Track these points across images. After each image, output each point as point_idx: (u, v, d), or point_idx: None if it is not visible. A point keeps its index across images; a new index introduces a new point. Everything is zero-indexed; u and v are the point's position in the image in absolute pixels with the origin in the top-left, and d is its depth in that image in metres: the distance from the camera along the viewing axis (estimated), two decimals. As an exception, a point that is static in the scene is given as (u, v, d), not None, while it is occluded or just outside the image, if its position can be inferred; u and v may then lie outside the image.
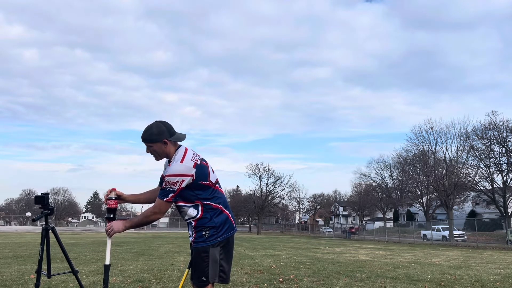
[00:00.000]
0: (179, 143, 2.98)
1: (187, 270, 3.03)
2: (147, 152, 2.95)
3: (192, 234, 2.92)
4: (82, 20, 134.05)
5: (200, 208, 2.87)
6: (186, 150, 2.91)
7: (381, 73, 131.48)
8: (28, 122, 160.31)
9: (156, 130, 2.86)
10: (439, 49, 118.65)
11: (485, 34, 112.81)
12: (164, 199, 2.79)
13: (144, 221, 2.90)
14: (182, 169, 2.77)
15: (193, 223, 2.88)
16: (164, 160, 3.04)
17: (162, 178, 2.92)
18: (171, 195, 2.78)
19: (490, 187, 35.12)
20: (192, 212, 2.87)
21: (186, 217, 2.91)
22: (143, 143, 2.94)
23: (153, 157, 2.97)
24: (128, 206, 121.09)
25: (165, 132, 2.86)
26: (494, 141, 33.64)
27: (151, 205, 2.97)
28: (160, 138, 2.84)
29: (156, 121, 2.93)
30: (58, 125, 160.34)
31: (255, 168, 65.23)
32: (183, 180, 2.77)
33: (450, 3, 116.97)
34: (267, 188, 65.19)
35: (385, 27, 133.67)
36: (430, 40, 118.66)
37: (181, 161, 2.81)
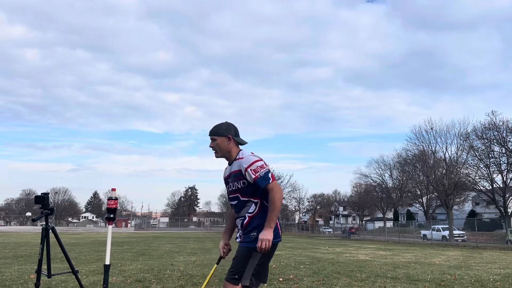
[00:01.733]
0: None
1: (215, 265, 3.06)
2: (210, 146, 3.08)
3: (241, 230, 2.97)
4: (84, 20, 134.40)
5: (258, 205, 2.94)
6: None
7: (382, 73, 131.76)
8: (29, 122, 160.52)
9: (225, 126, 3.06)
10: (440, 49, 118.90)
11: (486, 34, 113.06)
12: (271, 181, 2.86)
13: (277, 207, 2.83)
14: (258, 157, 2.95)
15: (247, 218, 2.93)
16: (224, 168, 3.16)
17: (239, 175, 2.96)
18: (270, 174, 2.89)
19: (490, 187, 35.10)
20: (251, 208, 2.94)
21: (242, 213, 2.97)
22: (209, 137, 3.08)
23: (214, 153, 3.09)
24: (128, 206, 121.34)
25: (232, 130, 3.05)
26: (494, 141, 33.63)
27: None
28: (225, 133, 3.02)
29: (226, 121, 3.12)
30: (59, 125, 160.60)
31: (255, 168, 65.03)
32: (265, 163, 2.92)
33: (451, 3, 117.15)
34: (267, 188, 65.01)
35: (386, 27, 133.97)
36: (431, 40, 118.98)
37: (251, 153, 3.00)
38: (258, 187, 2.87)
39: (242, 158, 2.96)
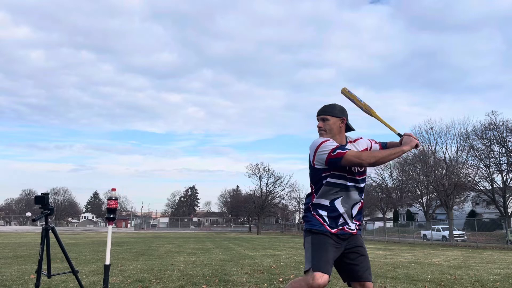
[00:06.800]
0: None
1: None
2: (318, 126, 2.87)
3: (354, 216, 2.76)
4: (89, 21, 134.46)
5: None
6: None
7: (385, 74, 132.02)
8: (31, 123, 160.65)
9: (339, 107, 2.90)
10: (443, 50, 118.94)
11: (488, 35, 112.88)
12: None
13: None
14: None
15: (360, 204, 2.80)
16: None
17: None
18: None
19: (490, 187, 35.11)
20: (363, 193, 2.86)
21: (360, 196, 2.80)
22: (317, 117, 2.89)
23: (319, 134, 2.87)
24: (128, 206, 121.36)
25: (346, 114, 2.92)
26: (494, 141, 33.63)
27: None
28: (340, 115, 2.87)
29: (337, 103, 2.95)
30: (61, 125, 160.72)
31: (255, 168, 65.07)
32: None
33: (454, 4, 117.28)
34: (267, 188, 65.14)
35: (389, 28, 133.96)
36: (434, 41, 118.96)
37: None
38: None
39: (361, 138, 2.96)
